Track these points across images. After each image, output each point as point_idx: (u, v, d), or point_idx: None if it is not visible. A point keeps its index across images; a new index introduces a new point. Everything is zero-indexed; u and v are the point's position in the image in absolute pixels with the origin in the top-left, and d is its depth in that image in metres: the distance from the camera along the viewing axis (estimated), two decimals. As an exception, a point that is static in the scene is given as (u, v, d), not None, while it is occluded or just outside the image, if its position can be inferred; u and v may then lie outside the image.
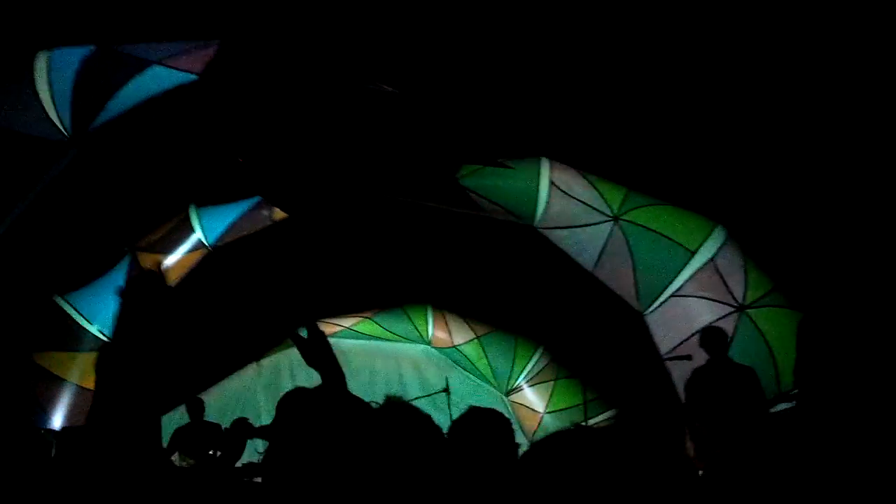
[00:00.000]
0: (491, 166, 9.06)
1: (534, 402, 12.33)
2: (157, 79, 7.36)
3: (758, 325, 8.47)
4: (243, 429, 8.24)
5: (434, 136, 8.53)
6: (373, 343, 13.13)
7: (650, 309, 9.11)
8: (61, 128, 7.29)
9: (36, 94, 7.06)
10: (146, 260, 10.07)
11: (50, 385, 9.42)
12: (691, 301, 8.87)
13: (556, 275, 9.78)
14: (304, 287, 11.00)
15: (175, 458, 8.70)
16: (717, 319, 8.59)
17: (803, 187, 7.53)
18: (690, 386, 7.27)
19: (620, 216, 9.05)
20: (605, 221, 9.10)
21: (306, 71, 7.53)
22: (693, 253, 8.73)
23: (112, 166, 8.09)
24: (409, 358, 13.26)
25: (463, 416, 3.27)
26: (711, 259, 8.68)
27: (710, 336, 7.36)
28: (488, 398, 12.29)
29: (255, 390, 12.62)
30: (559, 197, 9.18)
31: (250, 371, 12.64)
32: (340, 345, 12.92)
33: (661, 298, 9.02)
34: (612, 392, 10.76)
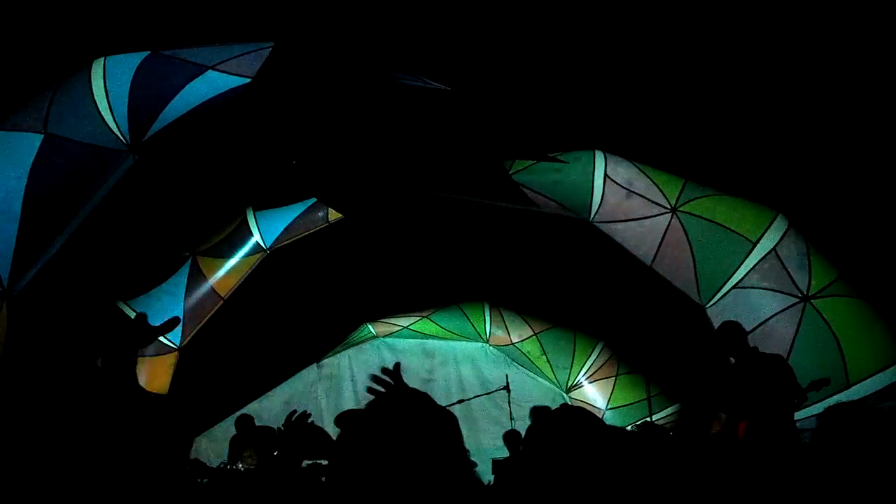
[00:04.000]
0: (543, 161, 8.98)
1: (595, 399, 12.24)
2: (211, 83, 7.43)
3: (823, 316, 8.25)
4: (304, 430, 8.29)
5: (485, 132, 8.49)
6: (431, 342, 13.18)
7: (712, 301, 8.93)
8: (119, 135, 7.41)
9: (93, 101, 7.19)
10: (206, 264, 10.24)
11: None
12: (754, 292, 8.67)
13: (614, 269, 9.66)
14: (361, 287, 11.07)
15: (240, 465, 8.81)
16: (782, 310, 8.43)
17: (864, 173, 7.33)
18: (720, 378, 7.17)
19: (678, 208, 8.90)
20: (663, 213, 8.96)
21: (357, 70, 7.55)
22: (754, 243, 8.52)
23: (170, 172, 8.21)
24: (467, 356, 13.28)
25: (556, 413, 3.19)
26: (773, 249, 8.47)
27: (727, 331, 7.20)
28: (548, 395, 12.25)
29: (317, 391, 12.76)
30: (614, 190, 9.05)
31: (311, 372, 12.77)
32: (399, 344, 13.04)
33: (723, 290, 8.84)
34: (675, 387, 10.64)
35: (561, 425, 2.74)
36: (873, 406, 6.85)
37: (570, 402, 12.11)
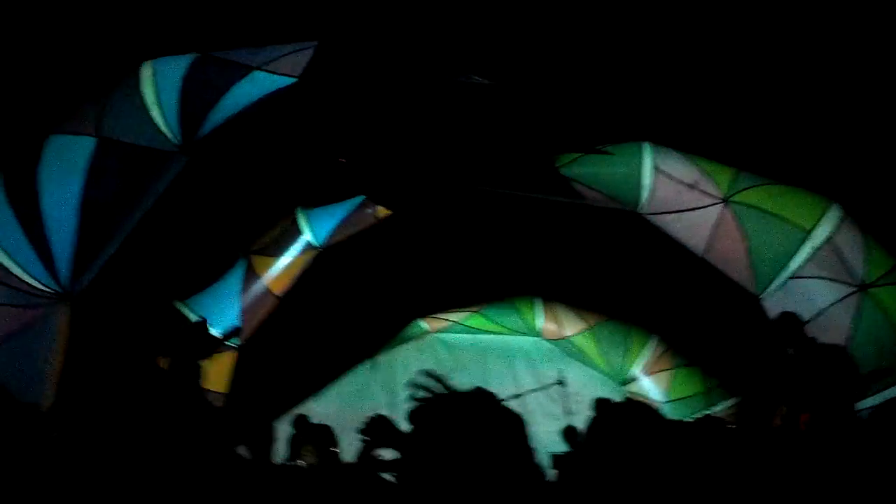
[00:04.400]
0: (591, 154, 8.93)
1: (652, 392, 12.12)
2: (258, 84, 7.53)
3: (881, 304, 8.09)
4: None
5: (531, 126, 8.46)
6: (483, 337, 13.18)
7: (767, 292, 8.79)
8: (171, 136, 7.54)
9: (144, 104, 7.33)
10: (260, 263, 10.37)
11: (175, 388, 9.78)
12: (810, 282, 8.53)
13: (666, 261, 9.56)
14: (412, 283, 11.11)
15: (300, 461, 8.92)
16: (839, 300, 8.28)
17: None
18: (779, 370, 7.06)
19: (730, 198, 8.78)
20: (715, 204, 8.84)
21: (402, 67, 7.58)
22: (809, 232, 8.39)
23: (222, 172, 8.33)
24: (520, 350, 13.24)
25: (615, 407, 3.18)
26: (829, 238, 8.33)
27: (784, 322, 7.09)
28: (604, 389, 12.14)
29: (371, 387, 12.83)
30: (664, 181, 8.95)
31: (366, 368, 12.85)
32: (451, 340, 13.06)
33: (779, 281, 8.70)
34: (734, 379, 10.50)
35: (623, 419, 2.72)
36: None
37: (626, 396, 12.01)
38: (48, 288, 7.33)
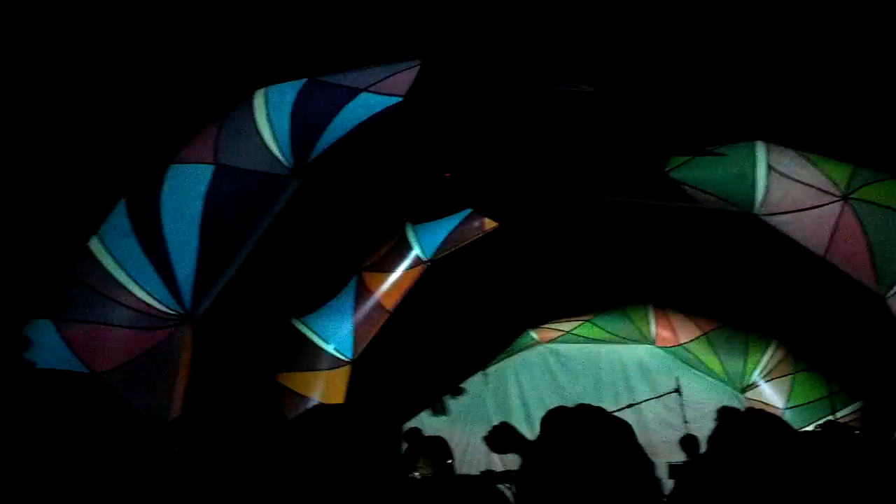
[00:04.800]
0: (702, 156, 8.76)
1: (772, 398, 11.78)
2: (365, 105, 7.68)
3: None
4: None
5: (639, 131, 8.37)
6: (595, 346, 13.05)
7: (892, 291, 8.44)
8: (284, 161, 7.77)
9: (257, 131, 7.59)
10: (371, 279, 10.56)
11: (293, 403, 10.05)
12: (938, 279, 8.16)
13: (785, 262, 9.29)
14: (522, 294, 11.11)
15: (415, 474, 9.03)
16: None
17: None
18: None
19: (849, 195, 8.47)
20: (834, 202, 8.54)
21: (505, 79, 7.62)
22: (933, 227, 8.05)
23: (333, 193, 8.53)
24: (634, 359, 13.06)
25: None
26: (955, 232, 7.98)
27: None
28: (722, 397, 11.86)
29: (483, 398, 12.90)
30: (779, 180, 8.69)
31: (477, 380, 12.92)
32: (562, 350, 12.99)
33: (904, 278, 8.35)
34: (858, 383, 10.15)
35: (749, 428, 2.68)
36: None
37: (746, 404, 11.72)
38: (172, 311, 7.60)
